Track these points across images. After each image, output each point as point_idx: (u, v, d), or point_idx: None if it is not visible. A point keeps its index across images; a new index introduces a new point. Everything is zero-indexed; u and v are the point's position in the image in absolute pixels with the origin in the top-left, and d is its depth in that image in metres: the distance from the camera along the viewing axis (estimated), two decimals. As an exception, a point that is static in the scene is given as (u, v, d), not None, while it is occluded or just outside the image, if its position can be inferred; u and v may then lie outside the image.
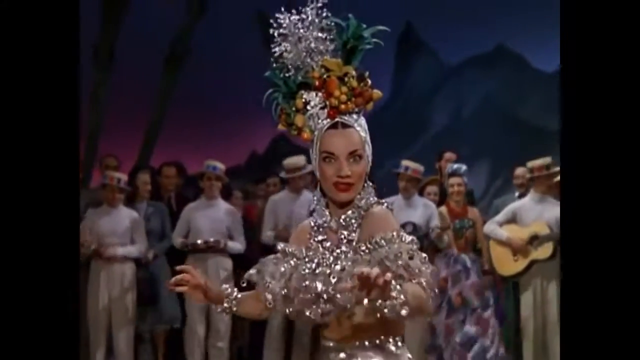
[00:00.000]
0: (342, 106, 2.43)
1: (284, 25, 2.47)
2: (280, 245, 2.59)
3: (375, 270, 2.14)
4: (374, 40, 2.47)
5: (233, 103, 18.03)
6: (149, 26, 14.40)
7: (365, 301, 2.17)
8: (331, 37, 2.45)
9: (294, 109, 2.48)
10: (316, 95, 2.44)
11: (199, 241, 7.05)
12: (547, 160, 6.99)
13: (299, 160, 7.26)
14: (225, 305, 2.67)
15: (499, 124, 19.20)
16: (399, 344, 2.52)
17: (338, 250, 2.45)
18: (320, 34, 2.45)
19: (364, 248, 2.41)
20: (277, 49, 2.48)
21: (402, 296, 2.18)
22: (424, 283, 2.33)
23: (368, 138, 2.50)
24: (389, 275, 2.15)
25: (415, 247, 2.38)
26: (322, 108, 2.45)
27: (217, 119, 18.55)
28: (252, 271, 2.57)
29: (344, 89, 2.43)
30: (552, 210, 6.84)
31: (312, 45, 2.45)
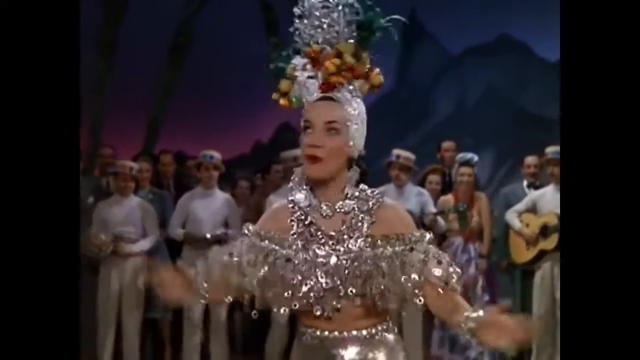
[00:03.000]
0: (333, 78, 2.33)
1: (306, 5, 2.38)
2: (255, 231, 2.44)
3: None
4: (387, 20, 2.38)
5: (237, 92, 18.01)
6: (152, 16, 14.37)
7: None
8: (348, 19, 2.35)
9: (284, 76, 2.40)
10: (305, 60, 2.37)
11: (208, 235, 6.97)
12: (552, 149, 7.01)
13: (296, 151, 7.23)
14: (197, 297, 2.47)
15: (502, 113, 19.16)
16: (396, 329, 2.47)
17: (346, 244, 2.34)
18: (338, 15, 2.35)
19: (382, 242, 2.34)
20: (297, 26, 2.39)
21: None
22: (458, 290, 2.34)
23: (359, 122, 2.38)
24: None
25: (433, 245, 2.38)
26: (311, 77, 2.37)
27: (221, 108, 18.53)
28: (222, 254, 2.42)
29: (336, 60, 2.33)
30: None
31: (330, 26, 2.36)
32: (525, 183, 7.83)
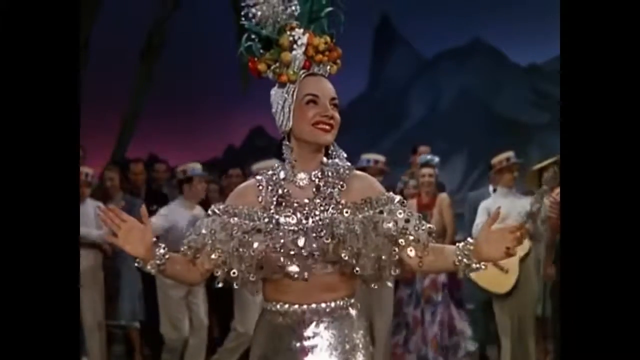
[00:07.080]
0: (319, 56, 2.43)
1: None
2: (224, 209, 2.50)
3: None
4: (332, 9, 2.46)
5: (210, 96, 17.97)
6: (124, 18, 14.30)
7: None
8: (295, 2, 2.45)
9: (278, 47, 2.43)
10: (303, 34, 2.42)
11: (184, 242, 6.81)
12: (508, 154, 7.00)
13: (271, 162, 7.08)
14: (156, 262, 2.45)
15: (475, 117, 19.28)
16: (359, 306, 2.51)
17: (318, 210, 2.41)
18: None
19: (353, 208, 2.40)
20: (250, 1, 2.44)
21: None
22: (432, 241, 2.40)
23: None
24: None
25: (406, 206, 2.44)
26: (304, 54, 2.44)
27: (193, 112, 18.48)
28: (192, 237, 2.51)
29: (322, 39, 2.43)
30: (518, 204, 6.89)
31: (279, 8, 2.43)
32: (490, 187, 7.83)
